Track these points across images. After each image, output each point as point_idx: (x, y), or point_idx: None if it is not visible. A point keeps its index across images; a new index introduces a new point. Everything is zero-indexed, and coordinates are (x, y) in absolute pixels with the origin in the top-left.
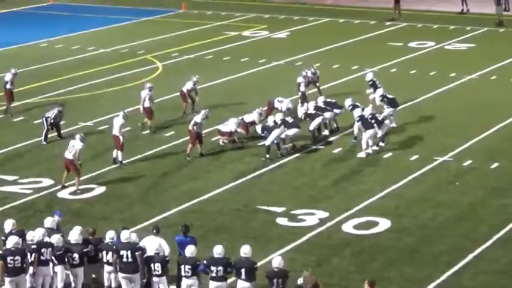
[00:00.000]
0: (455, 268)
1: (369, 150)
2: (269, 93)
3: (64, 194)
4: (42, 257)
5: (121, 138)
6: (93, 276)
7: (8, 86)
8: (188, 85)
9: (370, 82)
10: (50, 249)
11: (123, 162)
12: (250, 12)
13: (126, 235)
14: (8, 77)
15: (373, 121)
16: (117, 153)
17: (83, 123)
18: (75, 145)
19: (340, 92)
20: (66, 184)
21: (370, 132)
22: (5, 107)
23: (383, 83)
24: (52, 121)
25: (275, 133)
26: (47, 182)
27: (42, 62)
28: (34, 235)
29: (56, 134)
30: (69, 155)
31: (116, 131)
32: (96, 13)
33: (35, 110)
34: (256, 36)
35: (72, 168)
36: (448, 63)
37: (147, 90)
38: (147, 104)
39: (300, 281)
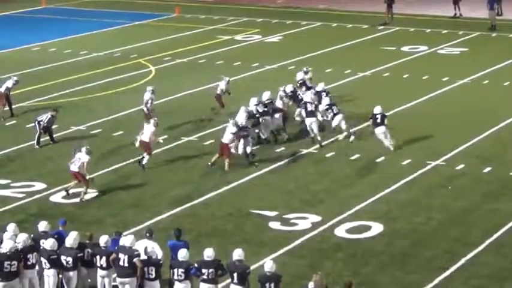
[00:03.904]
0: (448, 272)
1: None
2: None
3: (56, 198)
4: (28, 262)
5: (151, 143)
6: (89, 280)
7: (7, 92)
8: (222, 85)
9: (301, 81)
10: (35, 253)
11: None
12: (243, 17)
13: (130, 240)
14: (9, 83)
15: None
16: (144, 157)
17: (76, 127)
18: (81, 158)
19: (332, 96)
20: (70, 191)
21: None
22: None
23: (376, 87)
24: (45, 125)
25: (246, 142)
26: (39, 185)
27: (34, 66)
28: (18, 241)
29: (49, 138)
30: (74, 167)
31: (146, 138)
32: (88, 17)
33: (27, 113)
34: (249, 40)
35: (81, 179)
36: (440, 67)
37: (149, 93)
38: (149, 106)
39: (311, 285)
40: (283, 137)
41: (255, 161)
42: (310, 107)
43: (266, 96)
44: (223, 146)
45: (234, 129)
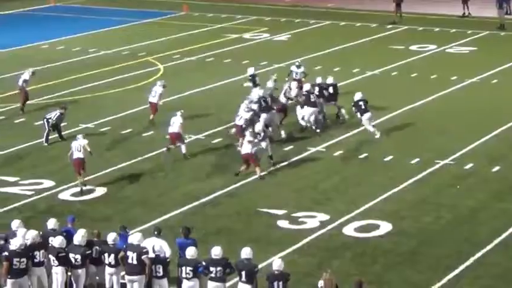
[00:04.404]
0: (456, 271)
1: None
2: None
3: (65, 195)
4: (35, 259)
5: (181, 133)
6: (97, 278)
7: (25, 85)
8: (269, 84)
9: (250, 77)
10: (42, 251)
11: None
12: (251, 15)
13: (138, 237)
14: (26, 76)
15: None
16: (181, 147)
17: (84, 124)
18: (81, 143)
19: (340, 95)
20: (83, 180)
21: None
22: (6, 108)
23: (384, 86)
24: (54, 122)
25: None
26: (48, 183)
27: (43, 64)
28: (27, 238)
29: (57, 135)
30: (79, 154)
31: (175, 129)
32: (97, 15)
33: (36, 111)
34: (257, 39)
35: (82, 168)
36: (449, 66)
37: (161, 87)
38: (156, 99)
39: (321, 283)
40: (280, 135)
41: (274, 162)
42: (312, 98)
43: (260, 92)
44: (246, 157)
45: (251, 139)
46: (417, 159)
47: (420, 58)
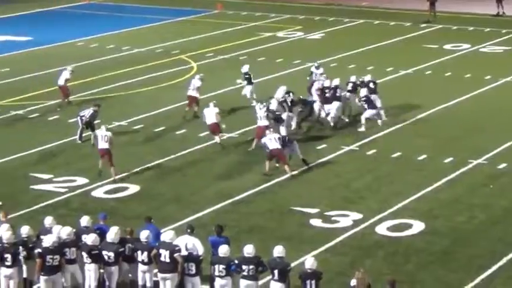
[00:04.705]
0: (489, 271)
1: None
2: (303, 94)
3: (98, 193)
4: (65, 256)
5: (219, 122)
6: (130, 275)
7: (66, 84)
8: (316, 85)
9: (247, 75)
10: (73, 248)
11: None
12: (285, 13)
13: (170, 235)
14: (67, 75)
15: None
16: (219, 138)
17: (117, 122)
18: (106, 134)
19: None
20: (116, 178)
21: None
22: (40, 105)
23: (418, 85)
24: (87, 120)
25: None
26: (81, 180)
27: (77, 61)
28: (62, 235)
29: (91, 133)
30: (105, 144)
31: (213, 120)
32: (131, 13)
33: (70, 108)
34: (291, 37)
35: (108, 158)
36: (483, 65)
37: (199, 80)
38: (194, 92)
39: (353, 282)
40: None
41: (307, 163)
42: (338, 93)
43: (285, 89)
44: (276, 152)
45: (280, 145)
46: (451, 159)
47: (454, 57)
